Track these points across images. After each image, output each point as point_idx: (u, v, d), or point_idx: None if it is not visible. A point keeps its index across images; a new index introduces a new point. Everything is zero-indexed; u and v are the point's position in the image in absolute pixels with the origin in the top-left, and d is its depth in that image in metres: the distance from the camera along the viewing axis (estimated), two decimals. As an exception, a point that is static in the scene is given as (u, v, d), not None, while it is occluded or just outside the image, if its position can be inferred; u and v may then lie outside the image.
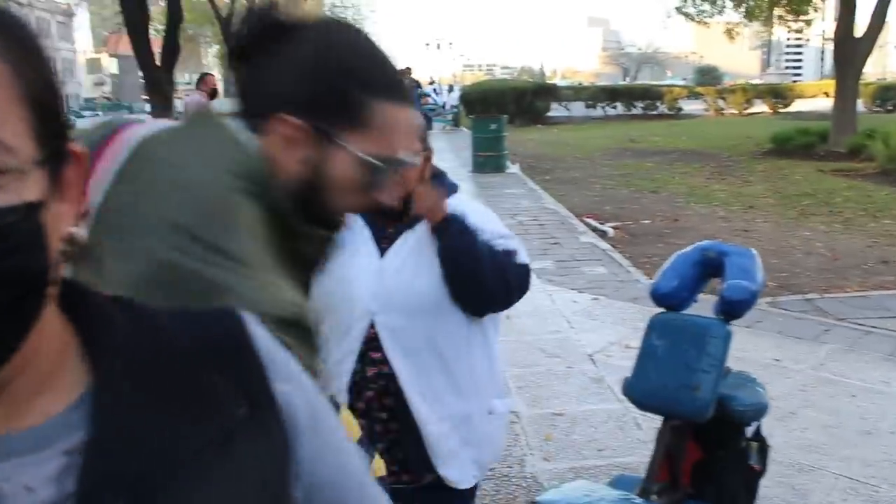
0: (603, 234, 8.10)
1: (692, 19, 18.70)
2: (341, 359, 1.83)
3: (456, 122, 23.28)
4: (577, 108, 28.64)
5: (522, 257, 1.94)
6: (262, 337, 0.65)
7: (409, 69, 15.95)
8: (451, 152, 14.59)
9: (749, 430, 2.43)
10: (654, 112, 28.31)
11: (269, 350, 0.64)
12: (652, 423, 3.69)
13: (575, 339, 4.93)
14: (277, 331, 0.81)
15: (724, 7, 18.29)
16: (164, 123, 0.99)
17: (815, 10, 17.76)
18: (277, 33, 0.97)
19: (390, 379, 1.82)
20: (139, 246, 0.84)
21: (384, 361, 1.82)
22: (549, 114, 26.59)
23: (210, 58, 56.71)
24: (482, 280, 1.83)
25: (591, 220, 8.71)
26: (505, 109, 19.82)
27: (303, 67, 0.96)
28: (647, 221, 8.84)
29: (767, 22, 19.26)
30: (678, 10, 18.53)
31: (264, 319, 0.80)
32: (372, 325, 1.83)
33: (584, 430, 3.73)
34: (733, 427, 2.37)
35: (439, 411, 1.84)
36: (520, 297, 1.95)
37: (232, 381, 0.59)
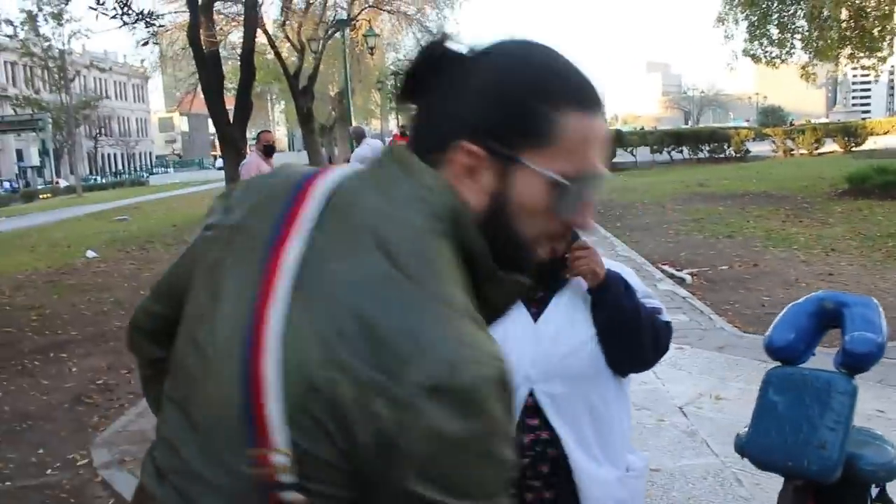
0: (681, 282, 7.92)
1: (759, 61, 18.43)
2: None
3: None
4: (642, 153, 28.41)
5: (665, 316, 1.89)
6: None
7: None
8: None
9: (874, 490, 2.29)
10: (722, 155, 27.90)
11: None
12: (752, 479, 3.54)
13: (663, 390, 4.79)
14: (483, 391, 0.78)
15: (794, 49, 18.01)
16: (349, 170, 0.96)
17: (890, 46, 17.33)
18: (449, 65, 0.91)
19: (548, 444, 1.76)
20: (331, 300, 0.82)
21: (542, 427, 1.76)
22: (615, 160, 26.46)
23: (277, 114, 58.37)
24: (642, 340, 1.78)
25: (667, 268, 8.54)
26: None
27: (479, 91, 0.89)
28: (724, 267, 8.62)
29: (836, 60, 18.87)
30: (745, 52, 18.30)
31: (462, 378, 0.77)
32: (530, 393, 1.77)
33: (682, 486, 3.58)
34: (858, 487, 2.23)
35: (599, 475, 1.78)
36: (662, 356, 1.90)
37: None
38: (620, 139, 28.08)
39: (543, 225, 0.91)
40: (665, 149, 28.43)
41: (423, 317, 0.80)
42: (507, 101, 0.87)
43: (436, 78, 0.92)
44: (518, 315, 1.80)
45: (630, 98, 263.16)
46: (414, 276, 0.82)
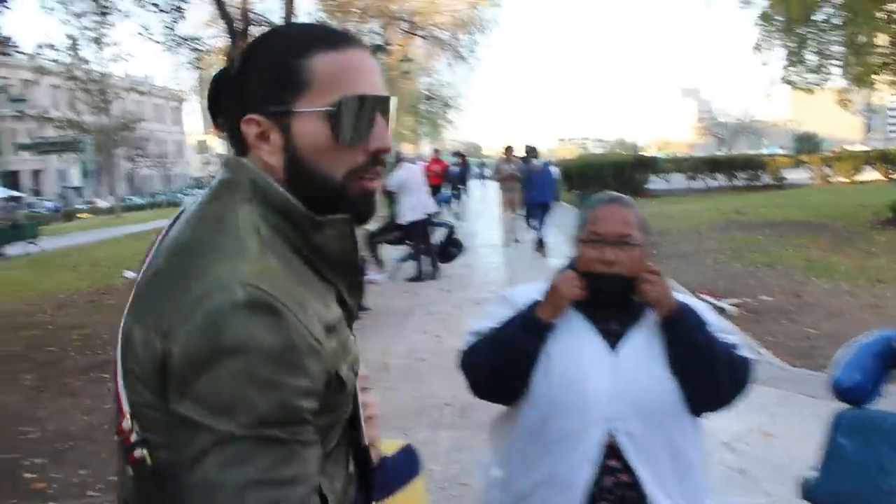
0: (721, 311, 7.79)
1: (798, 88, 18.24)
2: (576, 467, 1.69)
3: (556, 197, 23.28)
4: (677, 180, 28.16)
5: (744, 351, 1.83)
6: None
7: (511, 148, 15.93)
8: (553, 227, 14.49)
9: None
10: (758, 182, 27.58)
11: None
12: (806, 519, 3.44)
13: (709, 425, 4.65)
14: (228, 313, 0.88)
15: (830, 74, 17.81)
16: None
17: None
18: (231, 76, 1.08)
19: (629, 488, 1.69)
20: (145, 274, 1.01)
21: (623, 469, 1.69)
22: (649, 186, 26.27)
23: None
24: (718, 377, 1.72)
25: (707, 297, 8.41)
26: (604, 183, 19.70)
27: (250, 75, 1.05)
28: (766, 298, 8.48)
29: (873, 86, 18.60)
30: (783, 79, 18.13)
31: (209, 303, 0.88)
32: (609, 433, 1.70)
33: (733, 526, 3.49)
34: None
35: None
36: (743, 394, 1.82)
37: None
38: (655, 166, 27.89)
39: (343, 159, 1.03)
40: (700, 176, 28.16)
41: (197, 265, 0.93)
42: (268, 68, 1.03)
43: (226, 97, 1.09)
44: (595, 348, 1.75)
45: (663, 124, 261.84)
46: (205, 237, 0.96)
